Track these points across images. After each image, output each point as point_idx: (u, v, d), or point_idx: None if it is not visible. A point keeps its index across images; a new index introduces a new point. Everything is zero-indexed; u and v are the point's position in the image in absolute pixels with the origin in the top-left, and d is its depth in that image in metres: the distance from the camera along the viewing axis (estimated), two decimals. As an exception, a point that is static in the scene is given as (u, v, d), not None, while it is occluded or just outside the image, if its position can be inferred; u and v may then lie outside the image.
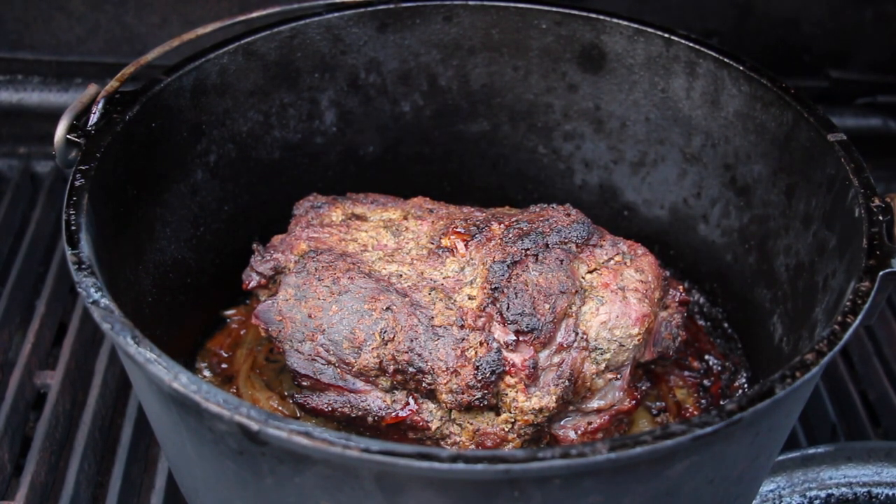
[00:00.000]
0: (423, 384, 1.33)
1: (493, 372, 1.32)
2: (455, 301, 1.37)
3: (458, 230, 1.46)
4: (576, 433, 1.40)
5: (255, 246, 1.53)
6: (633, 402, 1.43)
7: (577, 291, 1.38)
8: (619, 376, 1.40)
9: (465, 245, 1.44)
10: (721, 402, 1.62)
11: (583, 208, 1.70)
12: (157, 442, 1.70)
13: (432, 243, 1.46)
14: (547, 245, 1.42)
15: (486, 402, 1.33)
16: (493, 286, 1.37)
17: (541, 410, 1.33)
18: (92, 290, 1.15)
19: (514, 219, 1.47)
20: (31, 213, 2.15)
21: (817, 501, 1.53)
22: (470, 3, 1.71)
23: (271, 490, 1.11)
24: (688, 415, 1.59)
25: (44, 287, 1.96)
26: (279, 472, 1.07)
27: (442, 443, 1.37)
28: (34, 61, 2.20)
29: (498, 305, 1.35)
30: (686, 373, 1.66)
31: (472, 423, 1.35)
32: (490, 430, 1.35)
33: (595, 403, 1.40)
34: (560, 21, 1.71)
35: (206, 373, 1.64)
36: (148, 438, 1.75)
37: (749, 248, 1.65)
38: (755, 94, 1.57)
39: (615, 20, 1.68)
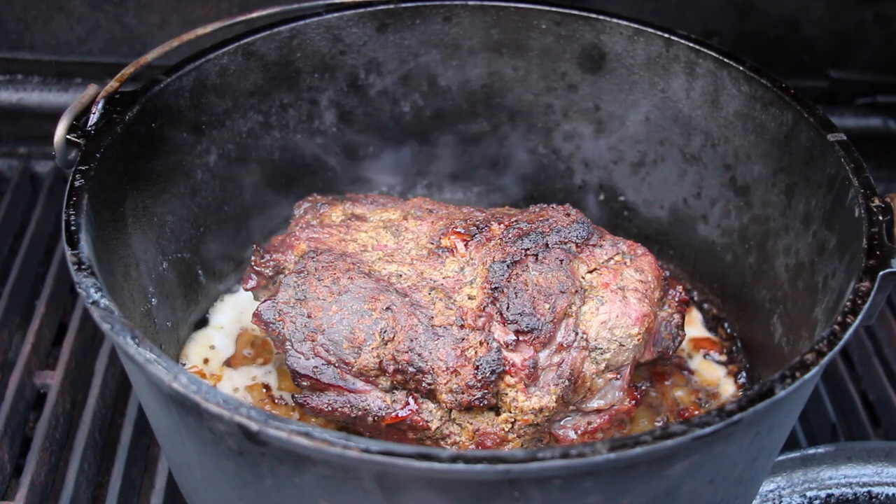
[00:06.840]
0: (423, 384, 1.33)
1: (493, 372, 1.32)
2: (455, 301, 1.37)
3: (458, 230, 1.46)
4: (576, 433, 1.40)
5: (255, 246, 1.52)
6: (633, 402, 1.42)
7: (577, 291, 1.38)
8: (619, 376, 1.40)
9: (465, 245, 1.44)
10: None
11: (583, 208, 1.70)
12: (157, 442, 1.70)
13: (432, 243, 1.46)
14: (547, 245, 1.42)
15: (486, 402, 1.33)
16: (493, 286, 1.37)
17: (541, 410, 1.33)
18: (92, 290, 1.15)
19: (513, 219, 1.47)
20: (31, 213, 2.15)
21: (817, 501, 1.52)
22: (470, 3, 1.71)
23: (271, 490, 1.11)
24: (688, 415, 1.59)
25: (44, 287, 1.95)
26: (279, 473, 1.07)
27: (442, 443, 1.37)
28: (34, 61, 2.20)
29: (498, 305, 1.35)
30: (685, 372, 1.66)
31: (472, 423, 1.35)
32: (490, 430, 1.35)
33: (595, 403, 1.40)
34: (560, 21, 1.71)
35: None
36: (148, 438, 1.75)
37: (749, 248, 1.65)
38: (755, 94, 1.57)
39: (615, 20, 1.68)
